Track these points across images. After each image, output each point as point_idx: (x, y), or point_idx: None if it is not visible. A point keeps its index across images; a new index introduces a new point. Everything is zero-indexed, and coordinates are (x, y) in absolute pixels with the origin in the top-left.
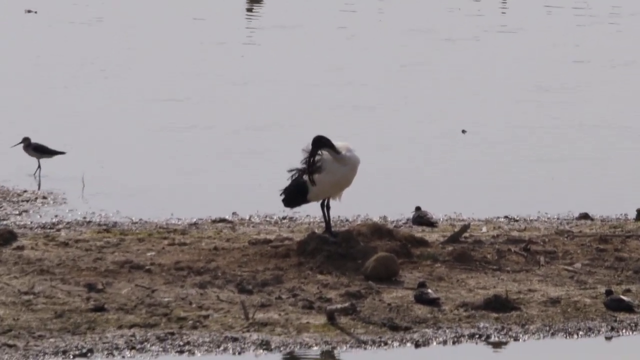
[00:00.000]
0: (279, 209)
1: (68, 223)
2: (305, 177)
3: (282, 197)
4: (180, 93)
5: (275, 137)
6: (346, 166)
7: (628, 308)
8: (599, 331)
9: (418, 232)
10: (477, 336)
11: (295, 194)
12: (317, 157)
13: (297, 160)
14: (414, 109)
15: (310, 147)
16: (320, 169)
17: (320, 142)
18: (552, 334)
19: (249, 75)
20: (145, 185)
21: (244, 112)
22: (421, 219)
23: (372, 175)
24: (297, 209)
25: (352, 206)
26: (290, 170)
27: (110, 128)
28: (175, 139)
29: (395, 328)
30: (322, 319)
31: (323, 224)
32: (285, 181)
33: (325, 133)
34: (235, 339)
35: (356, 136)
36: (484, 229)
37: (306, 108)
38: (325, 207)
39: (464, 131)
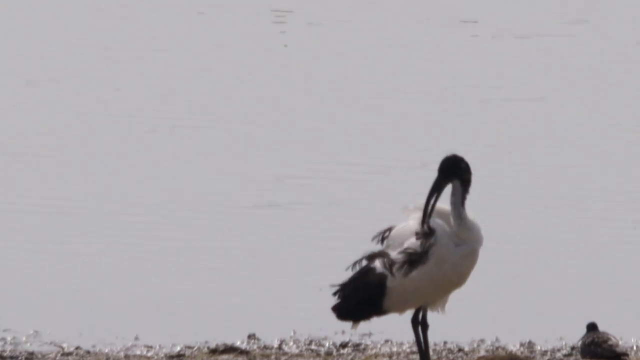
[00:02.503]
0: (332, 329)
1: None
2: (382, 267)
3: (337, 302)
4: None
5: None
6: (464, 247)
7: None
8: None
9: None
10: None
11: (362, 299)
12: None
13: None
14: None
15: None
16: (427, 252)
17: (456, 168)
18: None
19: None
20: (85, 289)
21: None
22: (598, 347)
23: (504, 267)
24: (365, 326)
25: (469, 325)
26: (367, 258)
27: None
28: (138, 210)
29: None
30: None
31: (416, 356)
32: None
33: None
34: None
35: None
36: None
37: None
38: (421, 325)
39: None
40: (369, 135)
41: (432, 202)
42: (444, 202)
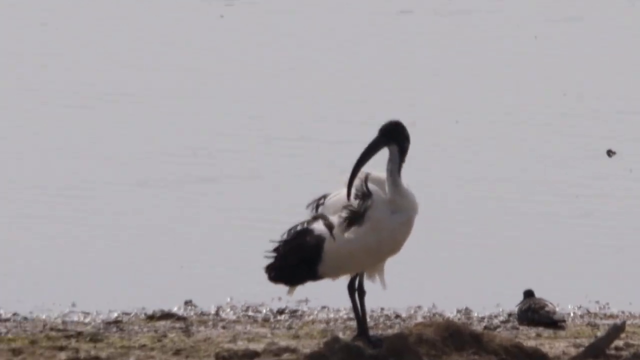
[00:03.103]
0: (269, 296)
1: None
2: (319, 227)
3: (270, 263)
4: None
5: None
6: (400, 215)
7: None
8: None
9: (529, 337)
10: None
11: (296, 262)
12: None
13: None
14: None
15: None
16: (364, 213)
17: (398, 134)
18: None
19: None
20: (21, 255)
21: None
22: (535, 313)
23: (440, 235)
24: (301, 292)
25: (406, 291)
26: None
27: None
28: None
29: None
30: None
31: (353, 323)
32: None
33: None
34: None
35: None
36: None
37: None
38: (357, 292)
39: (610, 152)
40: (283, 110)
41: (367, 158)
42: (380, 170)
